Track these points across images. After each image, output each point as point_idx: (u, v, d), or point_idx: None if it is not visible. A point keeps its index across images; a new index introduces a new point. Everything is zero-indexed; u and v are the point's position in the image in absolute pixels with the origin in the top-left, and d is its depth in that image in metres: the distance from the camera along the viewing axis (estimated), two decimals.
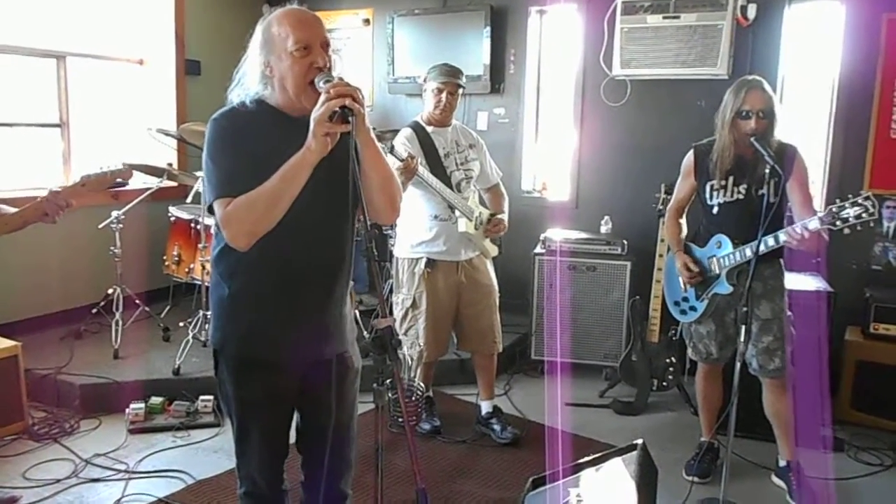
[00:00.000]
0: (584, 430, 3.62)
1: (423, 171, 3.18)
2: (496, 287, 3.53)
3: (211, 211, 1.83)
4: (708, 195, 3.00)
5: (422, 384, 3.56)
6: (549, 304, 4.28)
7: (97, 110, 5.01)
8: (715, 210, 2.99)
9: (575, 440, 3.47)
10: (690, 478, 3.08)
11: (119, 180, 2.68)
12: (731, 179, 2.93)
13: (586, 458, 2.53)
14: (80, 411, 3.60)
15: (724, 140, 2.89)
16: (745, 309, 2.71)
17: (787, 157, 2.82)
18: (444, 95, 3.32)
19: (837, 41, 4.04)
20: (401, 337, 3.39)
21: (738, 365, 2.81)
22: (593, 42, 4.62)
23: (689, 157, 3.09)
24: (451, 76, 3.34)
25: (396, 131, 4.76)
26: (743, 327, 2.79)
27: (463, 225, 3.30)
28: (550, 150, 5.12)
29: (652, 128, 4.54)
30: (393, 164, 3.08)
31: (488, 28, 4.88)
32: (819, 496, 2.97)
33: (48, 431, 3.40)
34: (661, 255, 3.89)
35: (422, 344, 3.39)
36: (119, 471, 3.09)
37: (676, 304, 3.23)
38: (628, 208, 4.54)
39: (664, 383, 3.96)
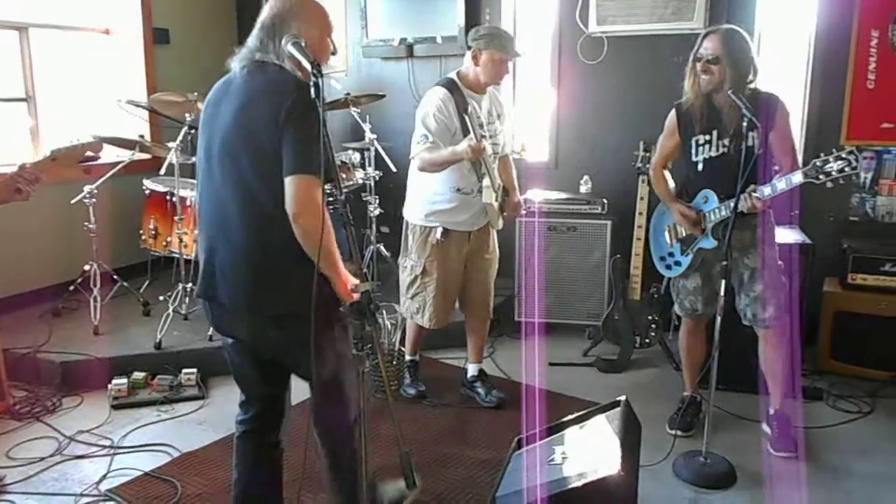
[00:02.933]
0: (569, 390, 3.64)
1: (487, 146, 3.02)
2: (497, 255, 3.51)
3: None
4: (693, 151, 2.98)
5: (404, 348, 3.55)
6: (530, 265, 4.28)
7: (64, 83, 4.89)
8: (700, 166, 2.97)
9: (559, 399, 3.50)
10: (673, 431, 3.12)
11: (90, 153, 2.63)
12: (714, 134, 2.91)
13: (570, 417, 2.55)
14: (61, 389, 3.57)
15: (687, 89, 2.90)
16: (724, 263, 2.73)
17: (766, 106, 2.80)
18: (505, 67, 3.15)
19: None
20: (406, 301, 3.36)
21: (717, 319, 2.84)
22: None
23: (672, 115, 3.07)
24: (514, 47, 3.16)
25: (372, 96, 4.73)
26: (723, 281, 2.81)
27: (488, 196, 3.15)
28: (528, 111, 5.07)
29: (630, 85, 4.51)
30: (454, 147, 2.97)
31: None
32: (798, 444, 3.02)
33: (30, 410, 3.37)
34: (640, 213, 3.90)
35: (430, 311, 3.32)
36: (103, 447, 3.08)
37: (662, 259, 3.24)
38: (608, 167, 4.53)
39: (647, 340, 4.00)
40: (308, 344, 1.82)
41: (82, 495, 2.73)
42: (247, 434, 2.25)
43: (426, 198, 3.24)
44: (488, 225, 3.36)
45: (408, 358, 3.61)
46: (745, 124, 2.70)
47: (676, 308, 3.26)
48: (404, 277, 3.38)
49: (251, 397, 2.24)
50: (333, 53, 2.14)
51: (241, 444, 2.26)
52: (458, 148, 2.95)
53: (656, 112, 4.36)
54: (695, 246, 3.04)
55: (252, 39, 2.02)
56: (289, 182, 1.86)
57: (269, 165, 1.89)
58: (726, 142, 2.89)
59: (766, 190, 2.73)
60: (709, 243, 2.99)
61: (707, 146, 2.93)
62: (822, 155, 2.62)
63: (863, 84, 3.95)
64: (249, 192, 1.94)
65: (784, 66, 4.24)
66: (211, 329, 3.88)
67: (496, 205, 3.23)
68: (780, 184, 2.70)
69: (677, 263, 3.14)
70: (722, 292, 2.82)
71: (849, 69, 3.96)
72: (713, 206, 2.94)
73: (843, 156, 2.52)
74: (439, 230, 3.22)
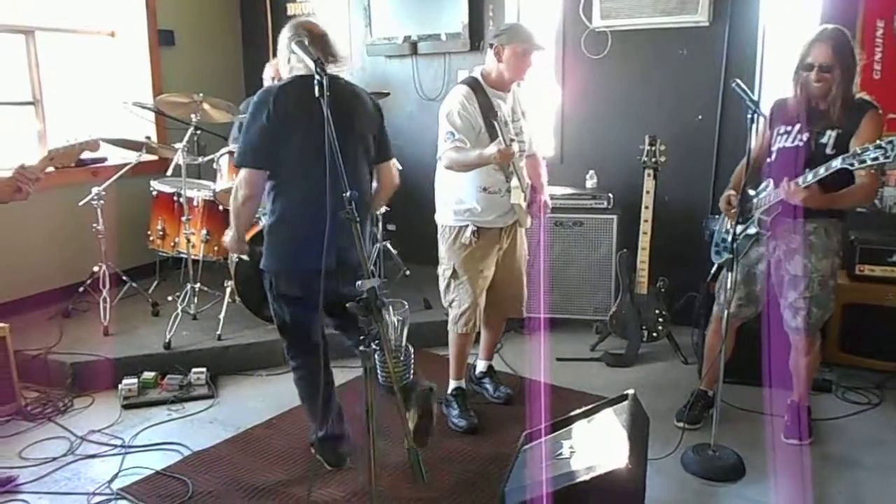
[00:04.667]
0: (577, 384, 3.65)
1: (515, 147, 2.93)
2: (526, 253, 3.44)
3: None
4: (773, 139, 2.95)
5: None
6: (537, 261, 4.28)
7: (70, 86, 4.92)
8: (773, 156, 2.94)
9: (567, 394, 3.51)
10: (681, 424, 3.12)
11: (88, 151, 2.68)
12: (796, 127, 2.87)
13: (578, 411, 2.56)
14: (72, 390, 3.60)
15: (795, 90, 2.87)
16: (730, 256, 2.72)
17: (855, 112, 2.75)
18: (529, 59, 3.03)
19: None
20: (448, 311, 3.26)
21: (725, 313, 2.84)
22: None
23: (769, 110, 3.04)
24: (535, 39, 3.03)
25: (377, 94, 4.73)
26: (729, 275, 2.81)
27: (516, 197, 3.07)
28: (533, 106, 5.05)
29: (634, 79, 4.50)
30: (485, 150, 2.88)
31: None
32: (806, 434, 3.04)
33: (42, 411, 3.39)
34: (646, 207, 3.89)
35: (466, 315, 3.18)
36: (115, 446, 3.10)
37: (716, 245, 3.25)
38: (613, 161, 4.52)
39: (654, 334, 4.00)
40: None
41: (94, 494, 2.75)
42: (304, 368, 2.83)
43: (454, 198, 3.15)
44: (517, 223, 3.27)
45: (452, 386, 3.35)
46: (748, 118, 2.69)
47: (715, 304, 3.21)
48: (440, 284, 3.26)
49: (306, 346, 2.77)
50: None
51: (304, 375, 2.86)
52: (485, 152, 2.86)
53: (661, 105, 4.40)
54: (742, 232, 3.02)
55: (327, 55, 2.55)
56: (390, 164, 2.85)
57: (369, 149, 2.70)
58: (804, 137, 2.83)
59: (809, 176, 2.66)
60: (752, 229, 2.98)
61: (786, 136, 2.89)
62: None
63: (869, 75, 3.92)
64: (356, 168, 2.57)
65: (789, 58, 4.21)
66: (220, 328, 3.91)
67: (524, 204, 3.16)
68: (821, 169, 2.65)
69: (725, 249, 3.13)
70: (729, 285, 2.82)
71: None
72: (764, 194, 2.92)
73: (883, 144, 2.49)
74: (470, 229, 3.11)
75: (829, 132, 2.76)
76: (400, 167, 4.47)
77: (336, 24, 5.43)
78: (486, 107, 3.04)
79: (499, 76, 3.09)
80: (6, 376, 3.36)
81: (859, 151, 2.53)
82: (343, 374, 3.68)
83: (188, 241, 4.13)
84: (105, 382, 3.61)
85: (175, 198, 4.32)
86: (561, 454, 2.32)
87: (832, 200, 2.73)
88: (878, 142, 2.48)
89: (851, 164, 2.54)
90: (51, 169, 2.60)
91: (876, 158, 2.48)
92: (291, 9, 5.58)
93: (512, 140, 2.92)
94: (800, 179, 2.68)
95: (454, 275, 3.18)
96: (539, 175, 3.38)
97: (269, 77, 4.53)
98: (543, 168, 3.42)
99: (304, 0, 5.52)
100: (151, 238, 4.52)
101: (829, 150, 2.75)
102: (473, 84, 3.08)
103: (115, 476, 2.86)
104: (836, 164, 2.58)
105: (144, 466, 2.93)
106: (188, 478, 2.82)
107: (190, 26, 5.38)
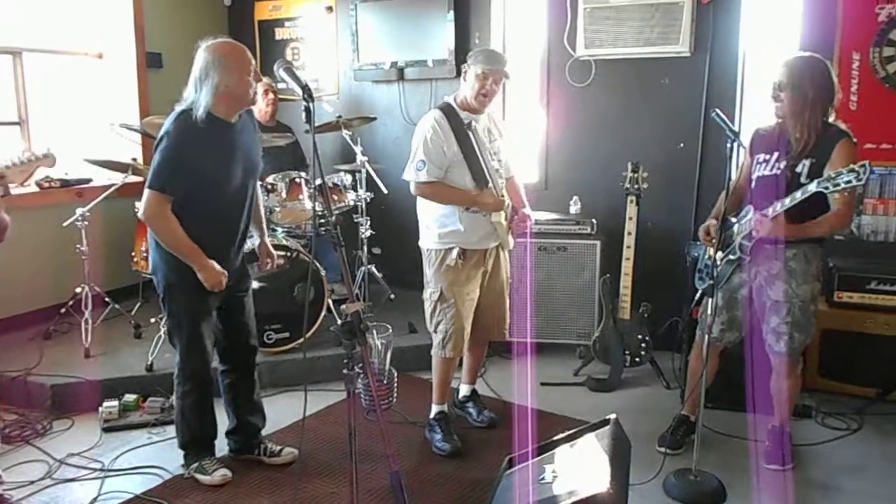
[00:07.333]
0: (560, 409, 3.65)
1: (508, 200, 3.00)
2: (509, 276, 3.45)
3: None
4: (754, 168, 3.00)
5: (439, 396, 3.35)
6: (521, 286, 4.30)
7: (57, 107, 4.92)
8: (754, 184, 2.99)
9: (550, 419, 3.51)
10: (662, 449, 3.13)
11: (44, 168, 2.49)
12: (775, 155, 2.93)
13: (560, 435, 2.57)
14: (52, 412, 3.56)
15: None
16: (710, 282, 2.76)
17: (827, 141, 2.80)
18: (488, 83, 3.04)
19: (797, 15, 4.08)
20: (433, 335, 3.25)
21: (706, 338, 2.87)
22: (557, 23, 4.63)
23: (749, 138, 3.10)
24: (497, 63, 3.07)
25: (363, 118, 4.79)
26: (710, 300, 2.85)
27: (496, 215, 3.13)
28: (518, 132, 5.12)
29: (617, 107, 4.57)
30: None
31: (452, 12, 4.86)
32: (788, 459, 3.05)
33: (20, 433, 3.35)
34: (629, 233, 3.93)
35: (453, 339, 3.18)
36: (94, 469, 3.07)
37: (699, 271, 3.27)
38: (597, 188, 4.57)
39: (637, 359, 4.02)
40: None
41: None
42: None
43: (438, 221, 3.16)
44: (500, 246, 3.28)
45: (435, 410, 3.34)
46: (727, 147, 2.75)
47: (697, 329, 3.23)
48: (426, 308, 3.26)
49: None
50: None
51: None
52: (479, 199, 3.06)
53: (643, 133, 4.47)
54: (723, 258, 3.05)
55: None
56: None
57: None
58: (782, 165, 2.89)
59: (778, 206, 2.71)
60: (733, 253, 3.02)
61: (765, 164, 2.95)
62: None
63: (846, 106, 4.01)
64: None
65: (768, 88, 4.29)
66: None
67: (505, 224, 3.19)
68: (798, 194, 2.71)
69: (708, 275, 3.16)
70: (710, 311, 2.86)
71: None
72: (744, 219, 2.96)
73: (856, 168, 2.55)
74: (455, 251, 3.12)
75: (803, 161, 2.82)
76: (386, 191, 4.53)
77: (324, 49, 5.49)
78: (460, 130, 3.08)
79: (465, 98, 3.15)
80: None
81: (833, 175, 2.60)
82: (326, 398, 3.67)
83: None
84: (85, 405, 3.57)
85: None
86: (543, 479, 2.32)
87: (802, 231, 2.78)
88: (851, 166, 2.55)
89: (826, 188, 2.61)
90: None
91: (849, 181, 2.55)
92: (279, 33, 5.63)
93: (497, 169, 2.96)
94: (769, 209, 2.73)
95: (441, 298, 3.17)
96: (520, 197, 3.40)
97: (260, 93, 4.57)
98: (522, 190, 3.45)
99: (293, 25, 5.58)
100: (135, 259, 4.49)
101: (803, 180, 2.80)
102: (446, 109, 3.14)
103: (94, 500, 2.83)
104: (812, 188, 2.65)
105: (124, 491, 2.89)
106: (168, 502, 2.79)
107: (178, 49, 5.39)
